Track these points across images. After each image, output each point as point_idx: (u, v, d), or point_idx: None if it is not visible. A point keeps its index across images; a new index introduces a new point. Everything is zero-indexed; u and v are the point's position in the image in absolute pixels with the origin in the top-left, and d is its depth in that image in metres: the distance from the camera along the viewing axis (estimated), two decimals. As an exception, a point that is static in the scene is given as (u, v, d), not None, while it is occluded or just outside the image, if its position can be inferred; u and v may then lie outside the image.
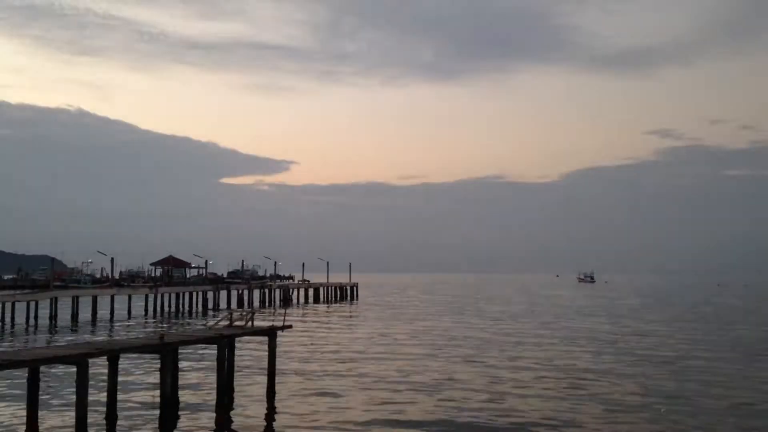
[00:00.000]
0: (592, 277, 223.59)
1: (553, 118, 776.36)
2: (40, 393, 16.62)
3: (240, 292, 78.43)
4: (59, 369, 24.40)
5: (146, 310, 63.19)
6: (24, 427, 16.20)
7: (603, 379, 25.04)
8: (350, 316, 60.68)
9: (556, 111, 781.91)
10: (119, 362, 18.62)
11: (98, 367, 21.91)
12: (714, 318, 59.42)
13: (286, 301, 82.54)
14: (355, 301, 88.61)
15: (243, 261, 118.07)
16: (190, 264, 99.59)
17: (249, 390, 22.39)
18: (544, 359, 30.54)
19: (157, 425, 17.46)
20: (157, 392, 19.04)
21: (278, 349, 23.46)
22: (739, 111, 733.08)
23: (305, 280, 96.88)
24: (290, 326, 25.43)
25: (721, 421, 18.36)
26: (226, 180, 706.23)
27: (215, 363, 20.86)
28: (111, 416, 17.87)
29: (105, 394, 18.41)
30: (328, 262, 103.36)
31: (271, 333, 22.80)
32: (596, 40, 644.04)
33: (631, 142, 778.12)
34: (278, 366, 23.16)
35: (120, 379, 19.07)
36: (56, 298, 57.03)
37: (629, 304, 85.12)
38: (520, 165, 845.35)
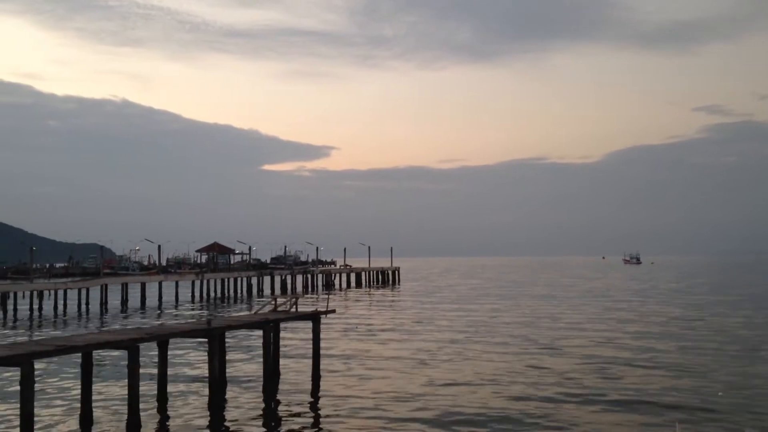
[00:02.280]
0: (638, 259, 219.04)
1: (595, 97, 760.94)
2: (92, 377, 16.96)
3: (283, 277, 79.28)
4: (111, 353, 24.98)
5: (193, 296, 64.44)
6: (79, 410, 16.61)
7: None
8: (392, 301, 60.71)
9: (599, 89, 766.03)
10: (168, 347, 18.94)
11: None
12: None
13: (329, 286, 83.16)
14: (397, 286, 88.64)
15: (286, 247, 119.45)
16: (234, 250, 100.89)
17: (294, 373, 22.57)
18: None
19: (206, 408, 17.69)
20: (206, 376, 19.30)
21: (322, 334, 23.54)
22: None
23: (347, 265, 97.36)
24: (333, 311, 25.50)
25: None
26: (267, 167, 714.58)
27: (261, 347, 21.10)
28: (161, 399, 18.22)
29: (156, 377, 18.80)
30: (369, 247, 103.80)
31: (315, 317, 22.89)
32: (640, 16, 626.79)
33: (677, 119, 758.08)
34: (322, 350, 23.26)
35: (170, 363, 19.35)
36: (106, 285, 58.56)
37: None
38: (562, 145, 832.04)
